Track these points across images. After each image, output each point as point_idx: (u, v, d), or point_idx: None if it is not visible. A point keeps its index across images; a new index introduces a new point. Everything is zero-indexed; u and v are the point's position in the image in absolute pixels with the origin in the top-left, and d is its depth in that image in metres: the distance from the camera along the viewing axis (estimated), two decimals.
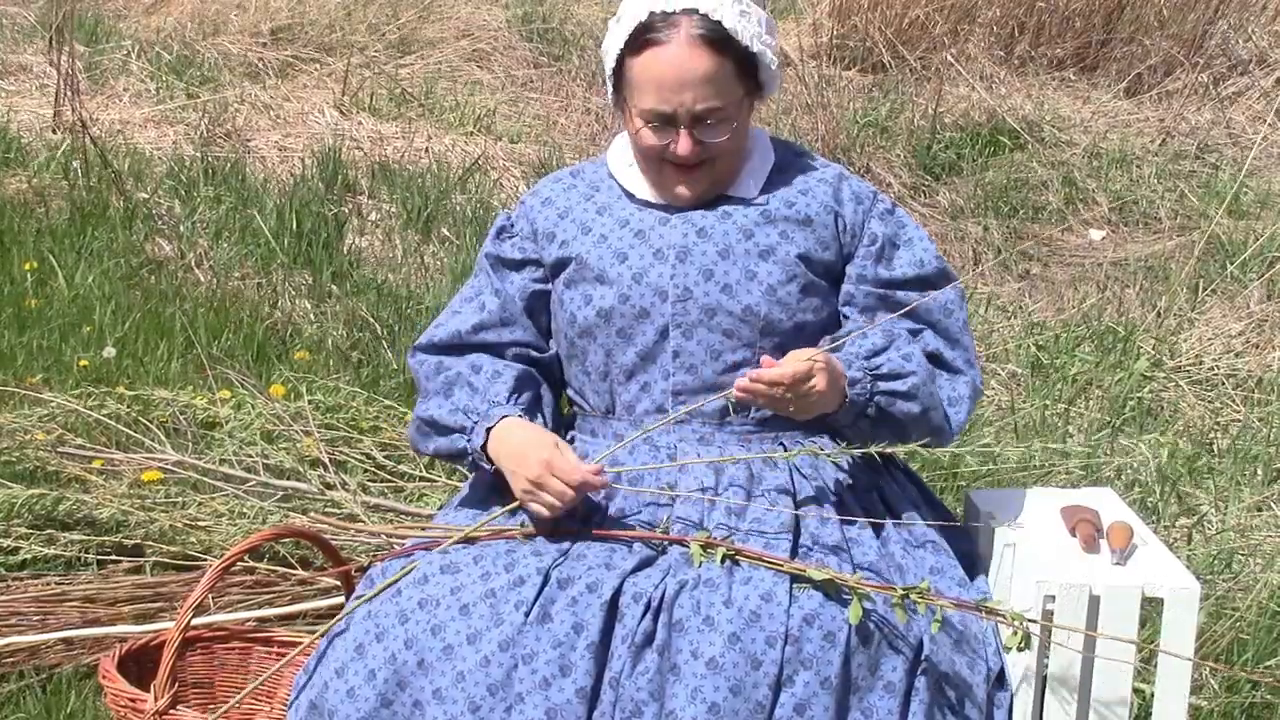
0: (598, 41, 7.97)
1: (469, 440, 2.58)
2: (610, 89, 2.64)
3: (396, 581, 2.48)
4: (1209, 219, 5.86)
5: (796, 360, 2.44)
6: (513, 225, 2.75)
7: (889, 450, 2.58)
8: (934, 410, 2.57)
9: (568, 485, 2.46)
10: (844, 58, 7.68)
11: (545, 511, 2.49)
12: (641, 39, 2.54)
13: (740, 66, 2.56)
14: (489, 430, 2.56)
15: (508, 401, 2.59)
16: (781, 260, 2.60)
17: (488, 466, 2.57)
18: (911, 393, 2.53)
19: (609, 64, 2.61)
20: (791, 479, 2.56)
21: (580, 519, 2.54)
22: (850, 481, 2.60)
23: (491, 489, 2.66)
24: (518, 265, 2.72)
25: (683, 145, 2.55)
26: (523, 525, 2.53)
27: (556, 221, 2.70)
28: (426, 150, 6.62)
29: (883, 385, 2.52)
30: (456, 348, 2.70)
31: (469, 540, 2.52)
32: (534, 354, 2.71)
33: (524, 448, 2.51)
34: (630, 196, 2.69)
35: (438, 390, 2.66)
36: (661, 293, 2.60)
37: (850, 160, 6.42)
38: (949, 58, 7.34)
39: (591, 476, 2.46)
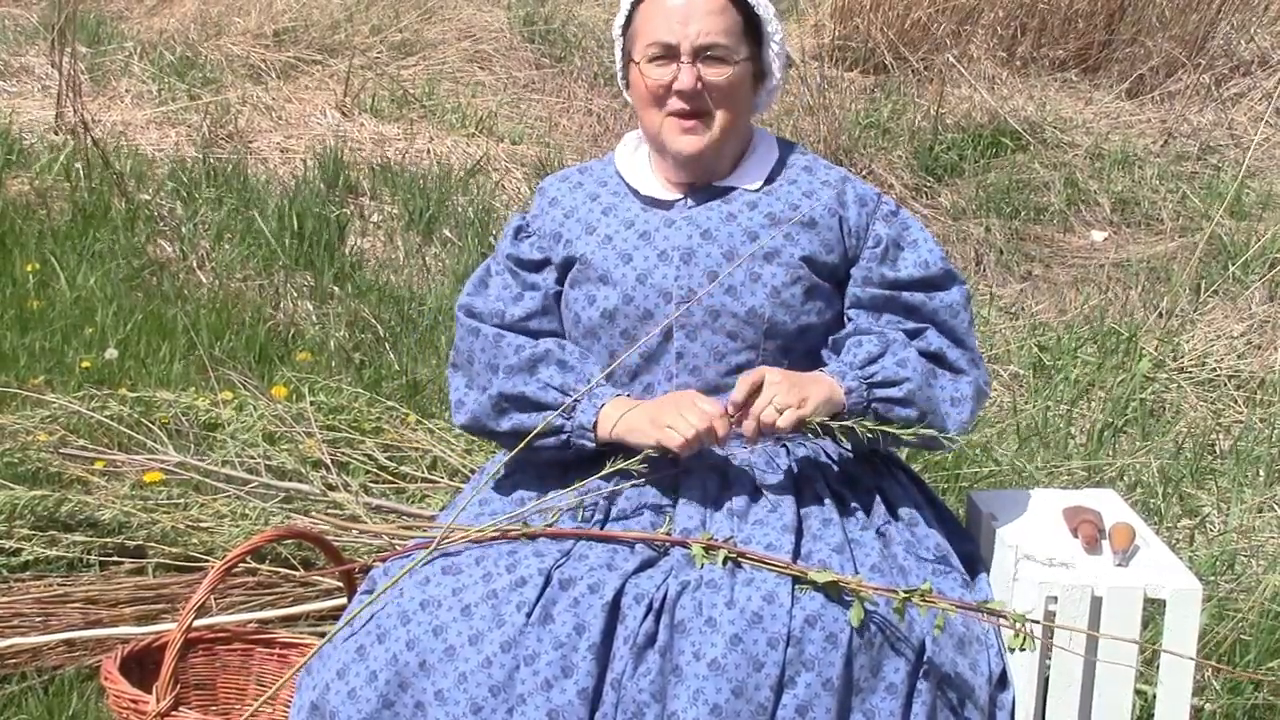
0: (600, 43, 7.99)
1: (570, 417, 2.56)
2: (619, 51, 2.68)
3: (397, 580, 2.47)
4: (1211, 220, 5.86)
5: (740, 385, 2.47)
6: (528, 225, 2.75)
7: (891, 449, 2.59)
8: (932, 414, 2.57)
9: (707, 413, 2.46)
10: (846, 59, 7.68)
11: (680, 435, 2.45)
12: None
13: (747, 25, 2.62)
14: (600, 407, 2.55)
15: (606, 380, 2.60)
16: (785, 262, 2.61)
17: (588, 443, 2.55)
18: (908, 399, 2.53)
19: (620, 22, 2.66)
20: (794, 481, 2.56)
21: (583, 519, 2.54)
22: (852, 483, 2.60)
23: (493, 489, 2.67)
24: (538, 266, 2.72)
25: (685, 77, 2.58)
26: (524, 525, 2.53)
27: (562, 221, 2.71)
28: (428, 151, 6.63)
29: (879, 393, 2.52)
30: (499, 325, 2.69)
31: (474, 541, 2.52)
32: None
33: (661, 400, 2.53)
34: (635, 193, 2.69)
35: (520, 367, 2.62)
36: (665, 294, 2.60)
37: (852, 161, 6.42)
38: (951, 59, 7.34)
39: (724, 422, 2.47)
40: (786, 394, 2.45)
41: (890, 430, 2.51)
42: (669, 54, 2.59)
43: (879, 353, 2.56)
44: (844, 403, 2.51)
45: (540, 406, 2.59)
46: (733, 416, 2.49)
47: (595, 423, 2.54)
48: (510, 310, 2.68)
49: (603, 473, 2.53)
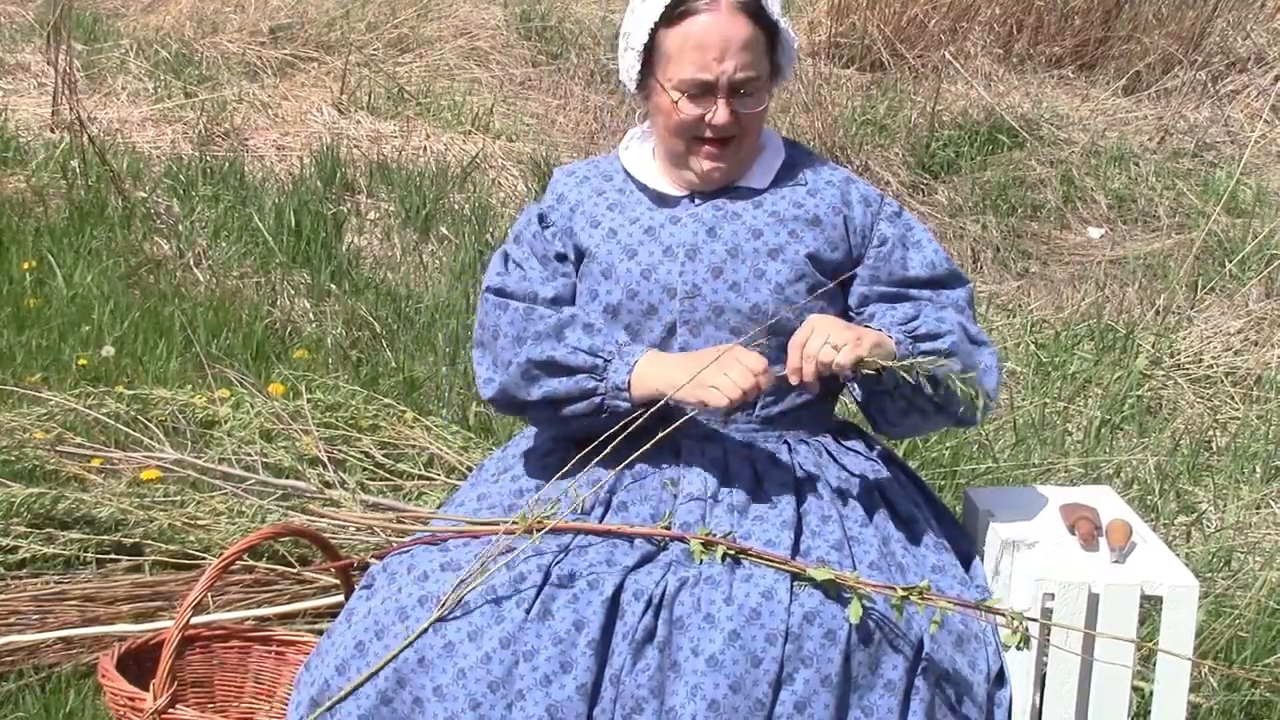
0: (596, 40, 7.98)
1: (603, 378, 2.53)
2: (637, 68, 2.62)
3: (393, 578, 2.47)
4: (1207, 217, 5.86)
5: (803, 340, 2.43)
6: (548, 215, 2.73)
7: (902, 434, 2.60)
8: (973, 370, 2.54)
9: (751, 369, 2.42)
10: (842, 56, 7.68)
11: (722, 396, 2.41)
12: (679, 9, 2.55)
13: (769, 40, 2.60)
14: (633, 364, 2.51)
15: (632, 341, 2.57)
16: (790, 259, 2.61)
17: (622, 404, 2.51)
18: (952, 350, 2.51)
19: (639, 40, 2.60)
20: (795, 478, 2.56)
21: (582, 513, 2.54)
22: (852, 480, 2.60)
23: (491, 484, 2.67)
24: (563, 258, 2.70)
25: (721, 113, 2.57)
26: (524, 519, 2.52)
27: (569, 216, 2.70)
28: (425, 149, 6.62)
29: (924, 345, 2.50)
30: (529, 302, 2.65)
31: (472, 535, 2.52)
32: None
33: (700, 354, 2.48)
34: (643, 189, 2.69)
35: (547, 333, 2.58)
36: (670, 290, 2.60)
37: (848, 158, 6.42)
38: (947, 56, 7.34)
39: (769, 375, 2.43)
40: (841, 332, 2.43)
41: (944, 375, 2.45)
42: (705, 91, 2.57)
43: (915, 314, 2.56)
44: (895, 351, 2.48)
45: (570, 370, 2.55)
46: (782, 375, 2.45)
47: (629, 382, 2.51)
48: (543, 291, 2.65)
49: (629, 458, 2.49)
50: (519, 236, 2.73)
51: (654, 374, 2.50)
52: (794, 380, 2.44)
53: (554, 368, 2.56)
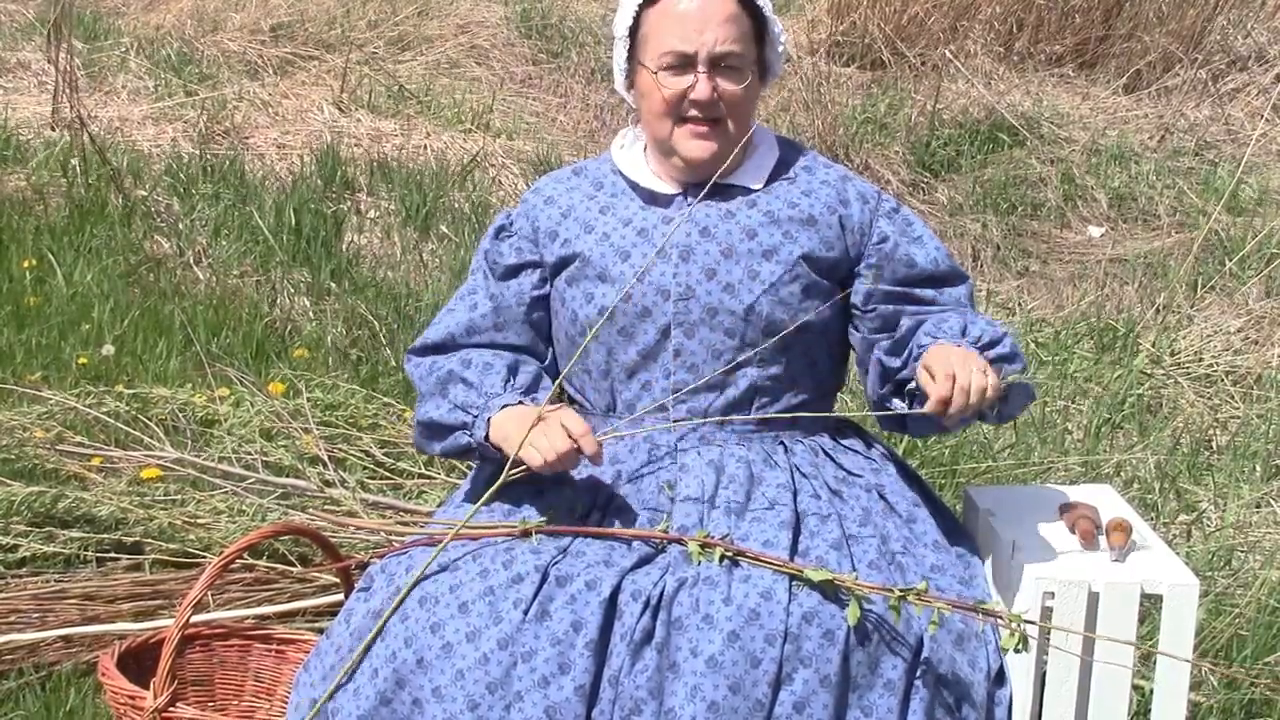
0: (597, 38, 7.98)
1: (471, 435, 2.57)
2: (624, 53, 2.64)
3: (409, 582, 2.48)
4: (1208, 216, 5.87)
5: (953, 372, 2.36)
6: (511, 225, 2.74)
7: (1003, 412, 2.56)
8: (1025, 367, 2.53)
9: (570, 433, 2.43)
10: (843, 54, 7.69)
11: (539, 458, 2.43)
12: None
13: (755, 28, 2.61)
14: (489, 420, 2.55)
15: (504, 389, 2.59)
16: (784, 260, 2.60)
17: (496, 455, 2.55)
18: (1014, 354, 2.50)
19: (624, 24, 2.62)
20: (792, 478, 2.56)
21: (580, 516, 2.54)
22: (850, 479, 2.60)
23: (491, 484, 2.67)
24: (515, 270, 2.71)
25: (702, 87, 2.57)
26: (523, 522, 2.53)
27: (559, 220, 2.70)
28: (425, 147, 6.62)
29: (991, 354, 2.48)
30: (449, 348, 2.70)
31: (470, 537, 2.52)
32: (529, 358, 2.71)
33: (529, 411, 2.50)
34: (634, 187, 2.68)
35: (432, 391, 2.65)
36: (663, 291, 2.60)
37: (849, 157, 6.42)
38: (948, 54, 7.34)
39: (591, 440, 2.43)
40: (978, 372, 2.36)
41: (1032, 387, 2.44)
42: (685, 63, 2.57)
43: (963, 323, 2.54)
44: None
45: (449, 429, 2.61)
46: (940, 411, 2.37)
47: (487, 436, 2.55)
48: (458, 324, 2.69)
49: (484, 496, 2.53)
50: (477, 254, 2.77)
51: (499, 430, 2.53)
52: (939, 410, 2.36)
53: (438, 428, 2.63)
